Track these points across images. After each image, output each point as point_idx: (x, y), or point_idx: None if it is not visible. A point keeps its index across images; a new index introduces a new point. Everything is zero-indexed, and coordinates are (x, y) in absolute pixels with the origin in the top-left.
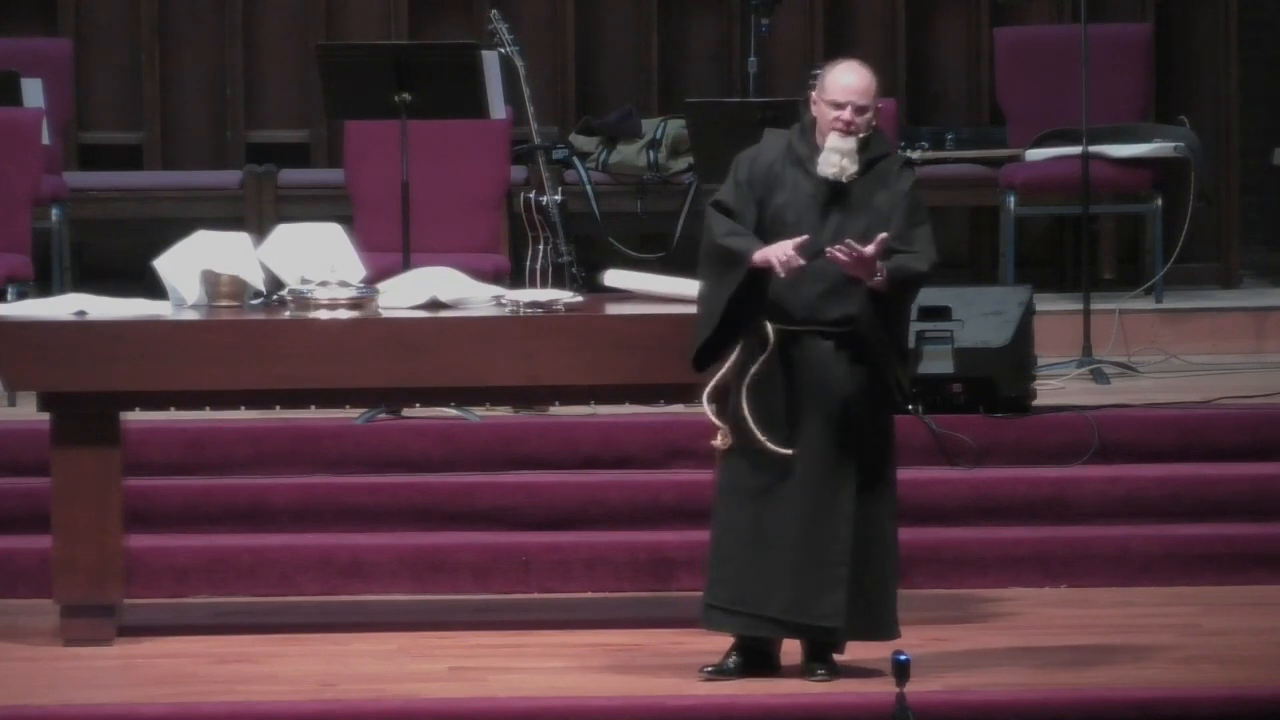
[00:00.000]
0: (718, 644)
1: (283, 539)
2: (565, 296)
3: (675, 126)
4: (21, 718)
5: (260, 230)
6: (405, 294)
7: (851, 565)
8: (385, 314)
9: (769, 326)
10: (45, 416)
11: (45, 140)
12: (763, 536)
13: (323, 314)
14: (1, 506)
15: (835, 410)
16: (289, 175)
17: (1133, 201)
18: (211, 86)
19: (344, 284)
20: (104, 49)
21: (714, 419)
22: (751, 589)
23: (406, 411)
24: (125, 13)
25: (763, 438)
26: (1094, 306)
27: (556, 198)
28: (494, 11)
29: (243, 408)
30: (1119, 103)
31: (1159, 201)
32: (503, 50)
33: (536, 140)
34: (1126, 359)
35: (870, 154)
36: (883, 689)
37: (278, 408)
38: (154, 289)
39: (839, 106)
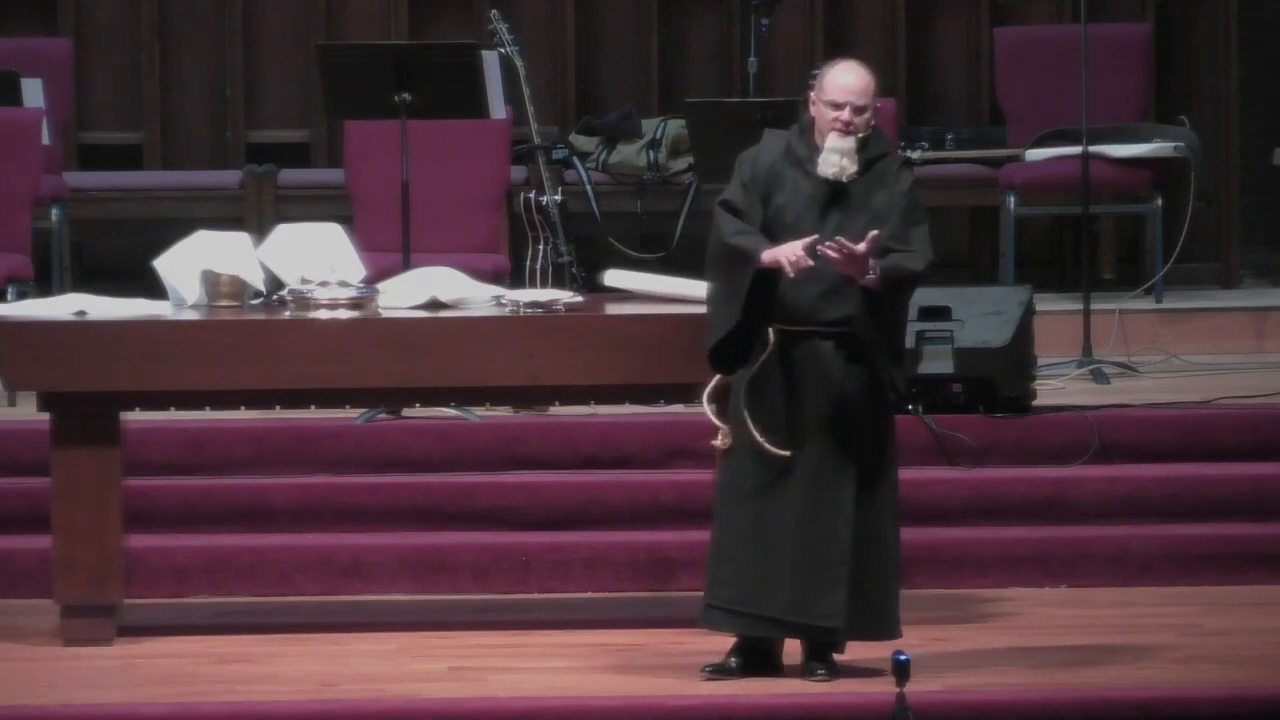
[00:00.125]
0: (718, 644)
1: (283, 539)
2: (565, 296)
3: (675, 126)
4: (21, 718)
5: (260, 230)
6: (405, 294)
7: (852, 565)
8: (385, 314)
9: (769, 327)
10: (45, 416)
11: (45, 140)
12: (763, 537)
13: (323, 314)
14: (1, 506)
15: (835, 410)
16: (289, 175)
17: (1133, 201)
18: (211, 86)
19: (344, 284)
20: (104, 49)
21: (714, 419)
22: (752, 589)
23: (406, 411)
24: (125, 13)
25: (762, 438)
26: (1094, 306)
27: (556, 198)
28: (494, 11)
29: (243, 408)
30: (1119, 103)
31: (1159, 201)
32: (503, 50)
33: (536, 140)
34: (1126, 359)
35: (869, 154)
36: (883, 689)
37: (278, 408)
38: (154, 289)
39: (838, 107)
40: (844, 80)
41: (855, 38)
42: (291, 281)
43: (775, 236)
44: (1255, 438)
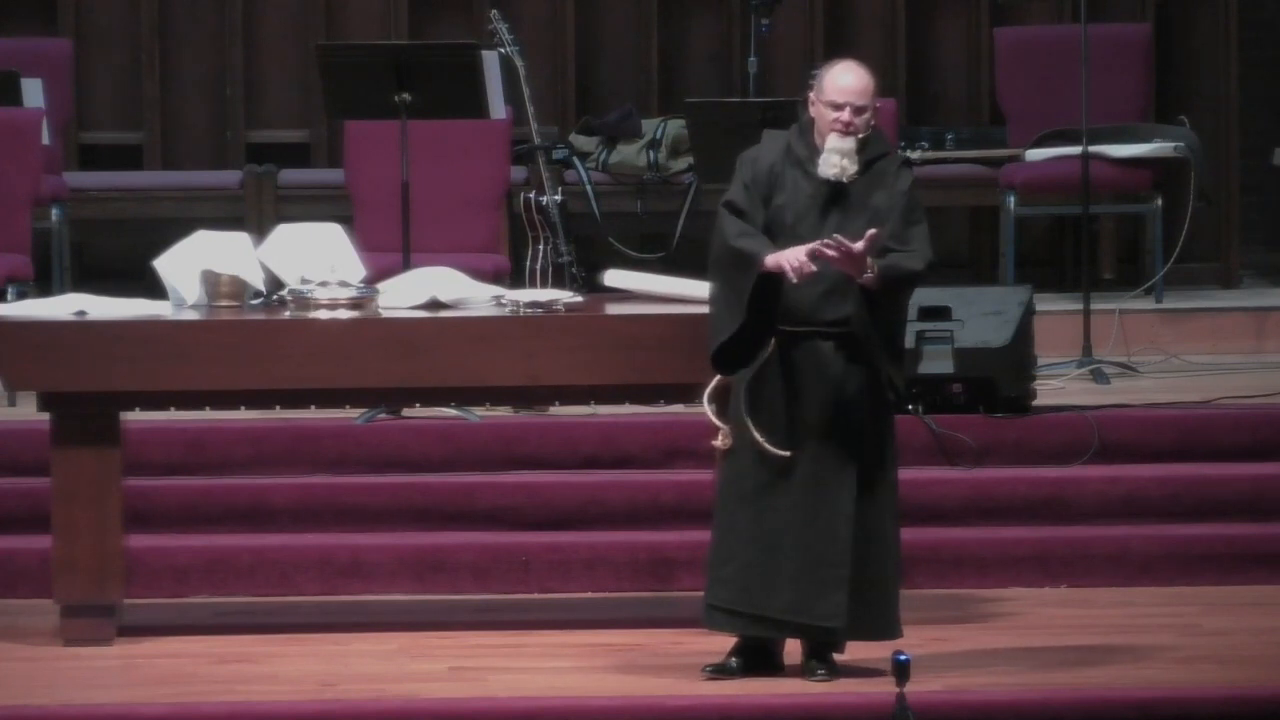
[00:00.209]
0: (718, 644)
1: (283, 539)
2: (565, 296)
3: (675, 126)
4: (21, 718)
5: (260, 230)
6: (405, 294)
7: (852, 565)
8: (385, 314)
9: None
10: (45, 416)
11: (45, 140)
12: (763, 537)
13: (323, 314)
14: (1, 506)
15: (835, 411)
16: (289, 175)
17: (1133, 201)
18: (211, 86)
19: (344, 284)
20: (104, 49)
21: (714, 419)
22: (752, 589)
23: (406, 411)
24: (125, 13)
25: (763, 438)
26: (1094, 306)
27: (556, 198)
28: (494, 11)
29: (243, 408)
30: (1119, 103)
31: (1159, 201)
32: (503, 50)
33: (536, 140)
34: (1126, 359)
35: (869, 154)
36: (883, 689)
37: (278, 408)
38: (154, 289)
39: (838, 108)
40: (843, 81)
41: (855, 38)
42: (291, 281)
43: (775, 237)
44: (1255, 438)
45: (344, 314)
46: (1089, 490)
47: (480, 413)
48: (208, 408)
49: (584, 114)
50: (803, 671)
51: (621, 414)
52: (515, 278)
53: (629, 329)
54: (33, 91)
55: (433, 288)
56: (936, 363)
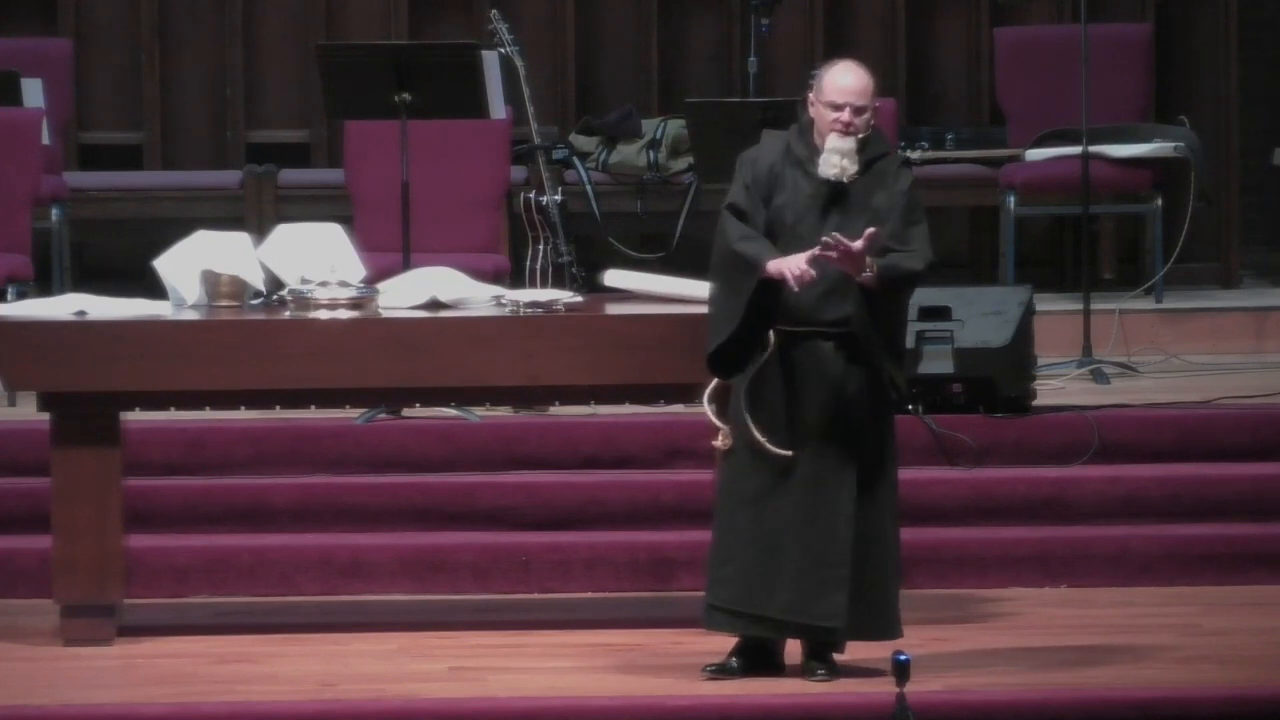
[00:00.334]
0: (718, 644)
1: (283, 539)
2: (565, 296)
3: (675, 126)
4: (21, 718)
5: (260, 230)
6: (405, 294)
7: (852, 565)
8: (385, 314)
9: (769, 331)
10: (45, 416)
11: (45, 140)
12: (763, 537)
13: (323, 314)
14: (1, 506)
15: (836, 411)
16: (289, 175)
17: (1133, 201)
18: (211, 86)
19: (344, 284)
20: (104, 49)
21: (715, 420)
22: (752, 589)
23: (406, 411)
24: (125, 13)
25: (763, 439)
26: (1094, 306)
27: (556, 198)
28: (494, 11)
29: (243, 408)
30: (1119, 103)
31: (1159, 201)
32: (503, 50)
33: (536, 140)
34: (1126, 359)
35: (869, 154)
36: (883, 689)
37: (278, 408)
38: (154, 289)
39: (837, 108)
40: (843, 81)
41: (855, 38)
42: (291, 281)
43: (775, 237)
44: (1255, 438)
45: (344, 314)
46: (1089, 490)
47: (480, 413)
48: (208, 408)
49: (584, 114)
50: (803, 671)
51: (621, 414)
52: (515, 278)
53: (629, 329)
54: (33, 91)
55: (433, 288)
56: (936, 363)
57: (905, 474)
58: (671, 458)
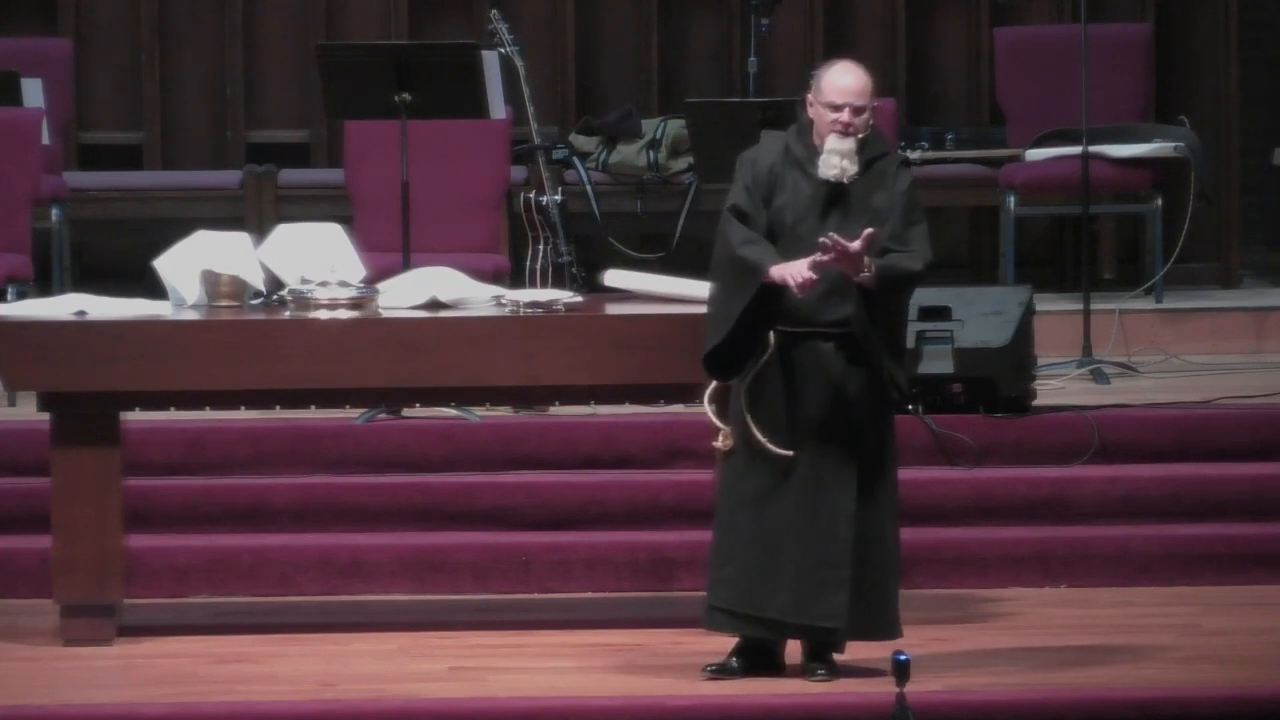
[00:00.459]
0: (718, 644)
1: (283, 539)
2: (565, 296)
3: (675, 126)
4: (21, 718)
5: (260, 230)
6: (405, 294)
7: (852, 565)
8: (385, 314)
9: (769, 332)
10: (45, 416)
11: (45, 140)
12: (764, 537)
13: (323, 314)
14: (1, 506)
15: (836, 411)
16: (289, 175)
17: (1133, 201)
18: (211, 86)
19: (344, 284)
20: (104, 49)
21: (715, 420)
22: (753, 590)
23: (406, 411)
24: (125, 13)
25: (764, 439)
26: (1094, 306)
27: (556, 198)
28: (494, 11)
29: (243, 408)
30: (1119, 103)
31: (1159, 201)
32: (503, 50)
33: (536, 140)
34: (1126, 359)
35: (868, 154)
36: (883, 689)
37: (278, 408)
38: (154, 289)
39: (836, 108)
40: (842, 81)
41: (855, 38)
42: (291, 281)
43: (775, 238)
44: (1255, 438)
45: (344, 314)
46: (1089, 490)
47: (480, 413)
48: (208, 408)
49: (584, 114)
50: (803, 672)
51: (621, 414)
52: (515, 278)
53: (629, 329)
54: (33, 91)
55: (433, 288)
56: (936, 363)
57: (905, 474)
58: (671, 458)
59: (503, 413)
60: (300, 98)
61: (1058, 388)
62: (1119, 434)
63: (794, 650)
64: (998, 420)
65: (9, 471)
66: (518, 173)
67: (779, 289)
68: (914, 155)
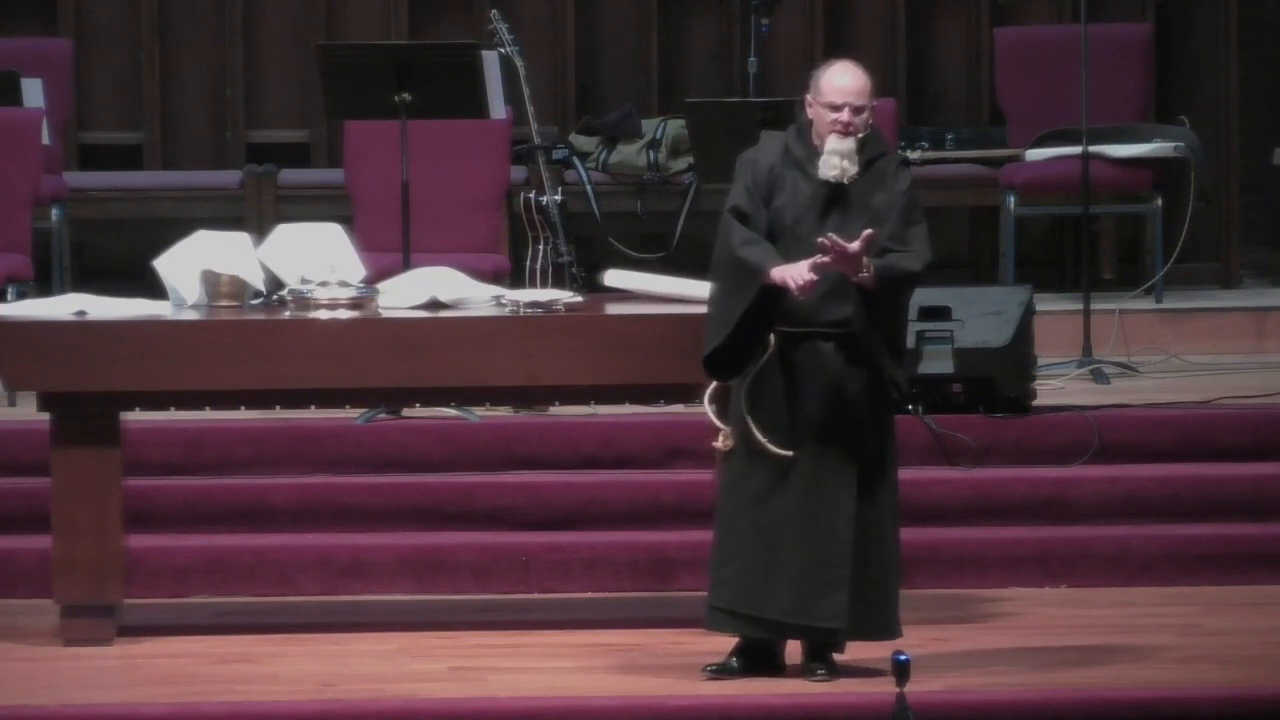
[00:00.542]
0: (718, 644)
1: (283, 539)
2: (565, 296)
3: (675, 126)
4: (21, 718)
5: (260, 230)
6: (405, 294)
7: (853, 566)
8: (385, 314)
9: (769, 333)
10: (45, 416)
11: (45, 140)
12: (764, 538)
13: (323, 314)
14: (1, 506)
15: (836, 411)
16: (289, 175)
17: (1133, 201)
18: (211, 86)
19: (344, 284)
20: (104, 49)
21: (716, 420)
22: (753, 590)
23: (406, 411)
24: (125, 13)
25: (764, 439)
26: (1094, 306)
27: (556, 198)
28: (494, 11)
29: (243, 408)
30: (1119, 103)
31: (1159, 201)
32: (503, 50)
33: (536, 140)
34: (1126, 359)
35: (868, 154)
36: (883, 689)
37: (278, 408)
38: (154, 289)
39: (836, 109)
40: (840, 81)
41: (855, 38)
42: (291, 281)
43: (775, 238)
44: (1255, 438)
45: (344, 314)
46: (1089, 490)
47: (480, 413)
48: (208, 408)
49: (584, 114)
50: (803, 672)
51: (621, 414)
52: (515, 278)
53: (629, 329)
54: (33, 91)
55: (433, 288)
56: (936, 363)
57: (905, 474)
58: (671, 458)
59: (503, 413)
60: (300, 98)
61: (1058, 388)
62: (1119, 434)
63: (794, 650)
64: (998, 420)
65: (9, 471)
66: (518, 173)
67: (779, 290)
68: (914, 155)
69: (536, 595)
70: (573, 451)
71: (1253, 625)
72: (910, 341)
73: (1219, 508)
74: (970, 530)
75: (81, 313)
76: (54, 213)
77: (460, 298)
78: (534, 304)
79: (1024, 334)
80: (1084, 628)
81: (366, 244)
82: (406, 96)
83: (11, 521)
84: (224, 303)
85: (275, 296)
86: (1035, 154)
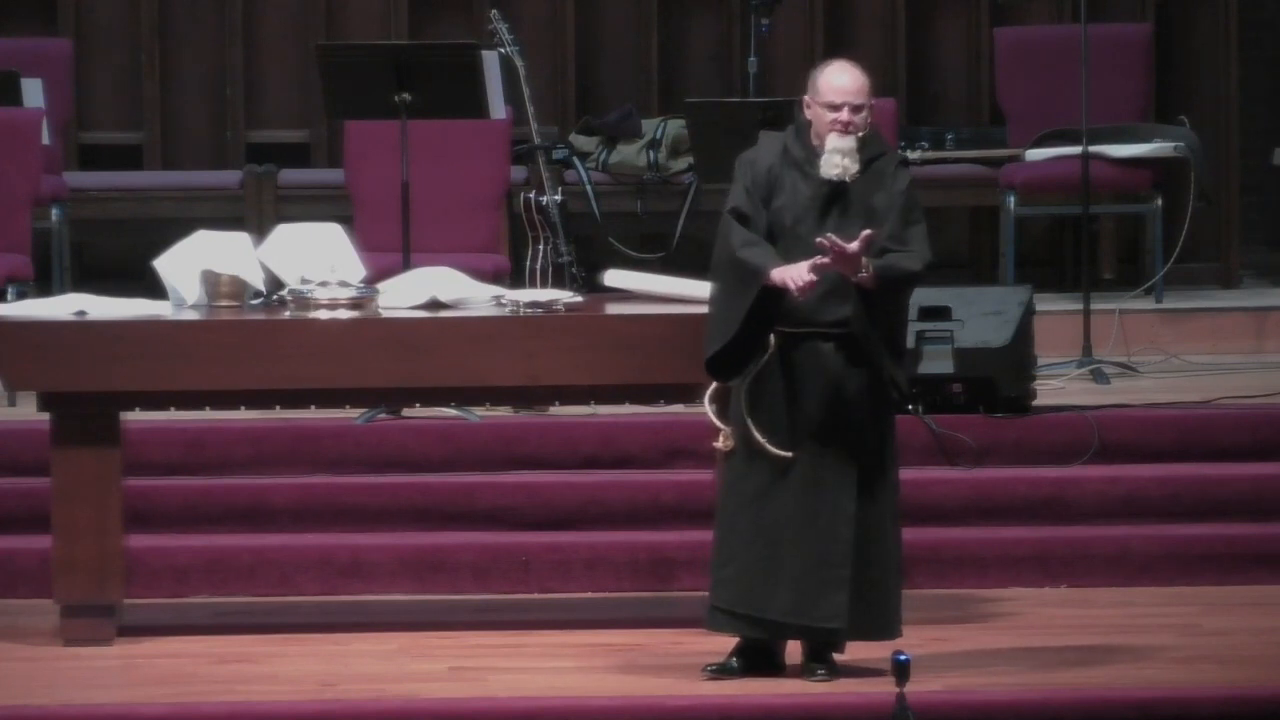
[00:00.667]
0: (718, 644)
1: (283, 539)
2: (565, 296)
3: (675, 126)
4: (21, 718)
5: (260, 230)
6: (405, 294)
7: (853, 566)
8: (385, 314)
9: (769, 334)
10: (45, 416)
11: (45, 140)
12: (764, 538)
13: (323, 314)
14: (1, 506)
15: (836, 411)
16: (289, 175)
17: (1133, 201)
18: (211, 86)
19: (344, 284)
20: (104, 49)
21: (716, 421)
22: (753, 591)
23: (406, 411)
24: (125, 13)
25: (763, 439)
26: (1094, 306)
27: (556, 198)
28: (494, 11)
29: (243, 408)
30: (1119, 103)
31: (1159, 201)
32: (503, 50)
33: (536, 140)
34: (1126, 359)
35: (867, 153)
36: (883, 689)
37: (278, 408)
38: (154, 289)
39: (835, 108)
40: (839, 81)
41: (855, 38)
42: (291, 281)
43: (774, 239)
44: (1255, 438)
45: (344, 314)
46: (1089, 490)
47: (480, 413)
48: (208, 408)
49: (584, 114)
50: (803, 672)
51: (621, 414)
52: (515, 278)
53: (629, 329)
54: (33, 91)
55: (433, 288)
56: (936, 363)
57: (905, 474)
58: (671, 458)
59: (503, 413)
60: (300, 98)
61: (1058, 388)
62: (1119, 434)
63: (794, 650)
64: (998, 420)
65: (9, 471)
66: (518, 173)
67: (780, 291)
68: (914, 155)
69: (536, 595)
70: (573, 451)
71: (1253, 625)
72: (910, 341)
73: (1219, 508)
74: (970, 530)
75: (81, 313)
76: (54, 213)
77: (460, 298)
78: (534, 304)
79: (1024, 334)
80: (1084, 628)
81: (366, 244)
82: (406, 96)
83: (11, 521)
84: (224, 303)
85: (275, 296)
86: (1035, 154)
